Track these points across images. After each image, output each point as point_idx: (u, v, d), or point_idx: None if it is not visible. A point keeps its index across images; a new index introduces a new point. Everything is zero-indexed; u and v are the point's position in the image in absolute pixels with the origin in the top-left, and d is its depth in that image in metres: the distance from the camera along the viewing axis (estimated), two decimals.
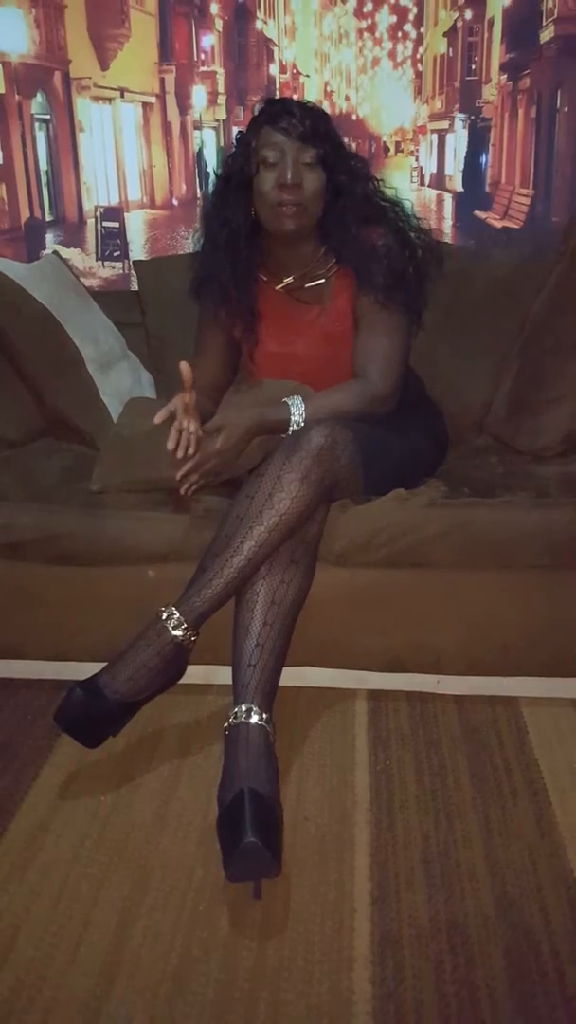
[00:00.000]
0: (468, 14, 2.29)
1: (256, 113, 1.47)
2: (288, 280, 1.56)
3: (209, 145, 2.51)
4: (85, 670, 1.34)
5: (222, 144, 2.49)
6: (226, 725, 1.23)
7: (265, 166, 1.42)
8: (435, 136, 2.44)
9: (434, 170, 2.48)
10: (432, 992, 1.01)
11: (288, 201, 1.42)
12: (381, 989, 1.01)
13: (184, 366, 1.31)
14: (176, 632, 1.27)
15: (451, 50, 2.34)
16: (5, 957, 1.07)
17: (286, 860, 1.17)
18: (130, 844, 1.25)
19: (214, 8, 2.37)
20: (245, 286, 1.54)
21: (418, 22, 2.31)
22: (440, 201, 2.51)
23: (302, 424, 1.42)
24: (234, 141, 1.50)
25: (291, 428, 1.43)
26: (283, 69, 2.43)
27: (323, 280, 1.55)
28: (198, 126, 2.48)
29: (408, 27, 2.32)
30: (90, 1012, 0.99)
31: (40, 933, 1.10)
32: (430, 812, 1.30)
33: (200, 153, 2.51)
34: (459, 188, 2.46)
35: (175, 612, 1.28)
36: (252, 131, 1.45)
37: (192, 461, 1.35)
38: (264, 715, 1.23)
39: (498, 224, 2.43)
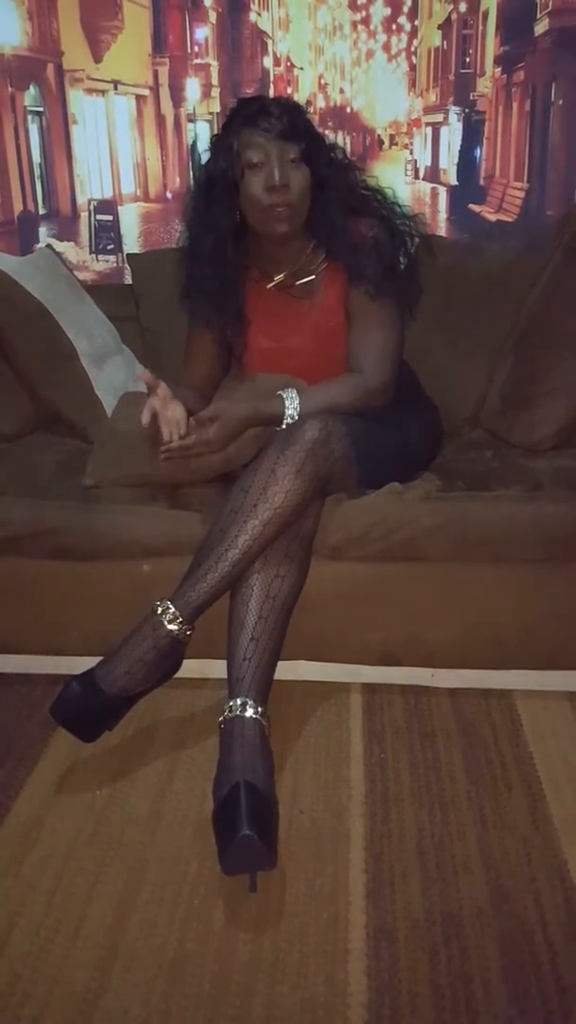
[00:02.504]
0: (463, 6, 2.28)
1: (230, 114, 1.44)
2: (279, 278, 1.55)
3: (203, 138, 2.49)
4: (80, 664, 1.34)
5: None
6: (221, 719, 1.23)
7: (250, 168, 1.40)
8: (429, 129, 2.44)
9: (428, 163, 2.48)
10: (427, 984, 1.01)
11: (278, 203, 1.40)
12: (376, 981, 1.02)
13: (145, 374, 1.35)
14: (171, 626, 1.27)
15: (445, 43, 2.33)
16: (1, 951, 1.07)
17: (281, 853, 1.17)
18: (126, 838, 1.25)
19: (208, 0, 2.36)
20: (233, 291, 1.54)
21: (412, 14, 2.30)
22: (434, 194, 2.50)
23: (296, 418, 1.42)
24: (210, 144, 1.47)
25: (285, 421, 1.43)
26: (277, 62, 2.42)
27: (314, 276, 1.55)
28: (192, 119, 2.47)
29: (403, 19, 2.31)
30: (86, 1005, 1.00)
31: (36, 927, 1.10)
32: (425, 805, 1.30)
33: (194, 146, 2.50)
34: (453, 181, 2.45)
35: (170, 606, 1.27)
36: (232, 133, 1.42)
37: (182, 442, 1.34)
38: (259, 709, 1.23)
39: (492, 218, 2.43)
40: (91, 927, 1.10)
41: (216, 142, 1.46)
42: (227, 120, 1.45)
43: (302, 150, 1.41)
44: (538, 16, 2.24)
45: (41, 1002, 1.00)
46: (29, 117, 2.50)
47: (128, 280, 2.18)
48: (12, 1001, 1.00)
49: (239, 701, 1.23)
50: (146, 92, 2.48)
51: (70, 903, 1.14)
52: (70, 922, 1.11)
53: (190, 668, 1.38)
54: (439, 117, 2.43)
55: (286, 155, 1.40)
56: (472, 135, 2.40)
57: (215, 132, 1.48)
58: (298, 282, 1.55)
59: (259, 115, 1.40)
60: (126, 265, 2.30)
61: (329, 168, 1.46)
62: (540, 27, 2.25)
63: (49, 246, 2.10)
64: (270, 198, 1.40)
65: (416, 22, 2.34)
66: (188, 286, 1.58)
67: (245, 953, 1.06)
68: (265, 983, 1.02)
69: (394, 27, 2.35)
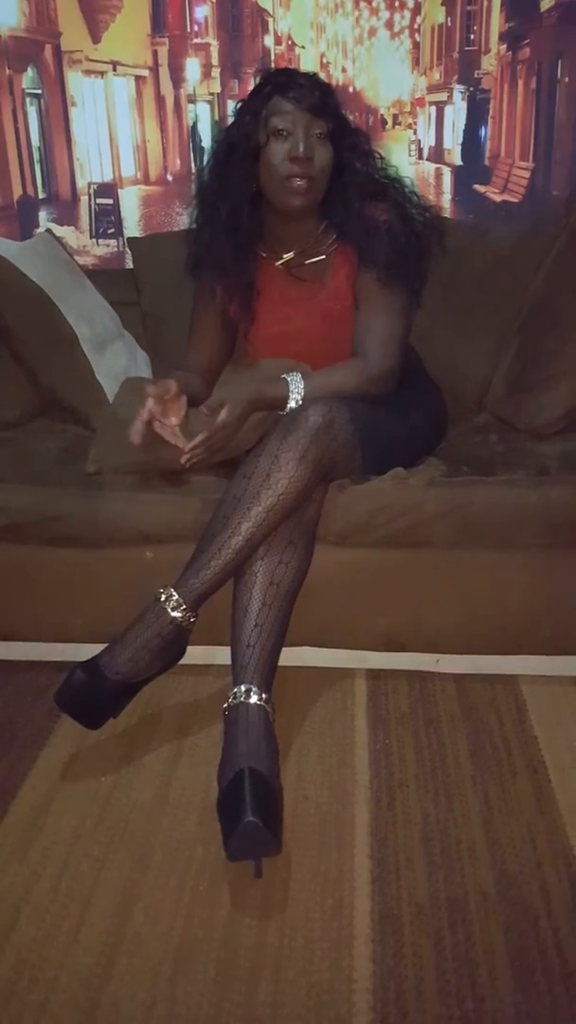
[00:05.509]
0: None
1: (260, 82, 1.43)
2: (288, 256, 1.53)
3: (203, 119, 2.46)
4: (84, 652, 1.34)
5: (216, 118, 2.45)
6: (225, 706, 1.23)
7: (276, 136, 1.39)
8: (433, 108, 2.40)
9: (432, 143, 2.44)
10: (432, 969, 1.01)
11: (299, 174, 1.39)
12: (381, 966, 1.02)
13: (173, 384, 1.33)
14: (175, 613, 1.26)
15: (449, 19, 2.29)
16: (7, 937, 1.07)
17: (286, 839, 1.17)
18: (131, 825, 1.25)
19: None
20: (245, 261, 1.52)
21: None
22: (439, 175, 2.47)
23: (300, 401, 1.41)
24: (234, 111, 1.45)
25: (288, 405, 1.42)
26: (278, 40, 2.38)
27: (323, 256, 1.53)
28: (192, 100, 2.44)
29: None
30: (92, 991, 1.00)
31: (41, 913, 1.11)
32: (430, 790, 1.30)
33: (194, 127, 2.47)
34: (458, 161, 2.42)
35: (174, 593, 1.27)
36: (260, 100, 1.40)
37: (201, 436, 1.32)
38: (263, 695, 1.23)
39: (497, 198, 2.40)
40: (97, 913, 1.11)
41: (242, 108, 1.43)
42: (256, 88, 1.43)
43: (329, 128, 1.40)
44: None
45: (47, 988, 1.01)
46: (27, 100, 2.47)
47: (129, 265, 2.16)
48: (19, 987, 1.01)
49: (243, 688, 1.23)
50: (145, 73, 2.45)
51: (76, 890, 1.14)
52: (76, 908, 1.11)
53: (194, 655, 1.38)
54: (443, 96, 2.39)
55: (313, 128, 1.39)
56: (477, 114, 2.36)
57: (239, 102, 1.45)
58: (307, 262, 1.53)
59: (290, 86, 1.39)
60: (127, 249, 2.28)
61: (351, 152, 1.45)
62: (546, 2, 2.21)
63: (49, 231, 2.09)
64: (291, 168, 1.38)
65: None
66: (197, 256, 1.55)
67: (250, 939, 1.07)
68: (270, 968, 1.02)
69: (397, 4, 2.31)
